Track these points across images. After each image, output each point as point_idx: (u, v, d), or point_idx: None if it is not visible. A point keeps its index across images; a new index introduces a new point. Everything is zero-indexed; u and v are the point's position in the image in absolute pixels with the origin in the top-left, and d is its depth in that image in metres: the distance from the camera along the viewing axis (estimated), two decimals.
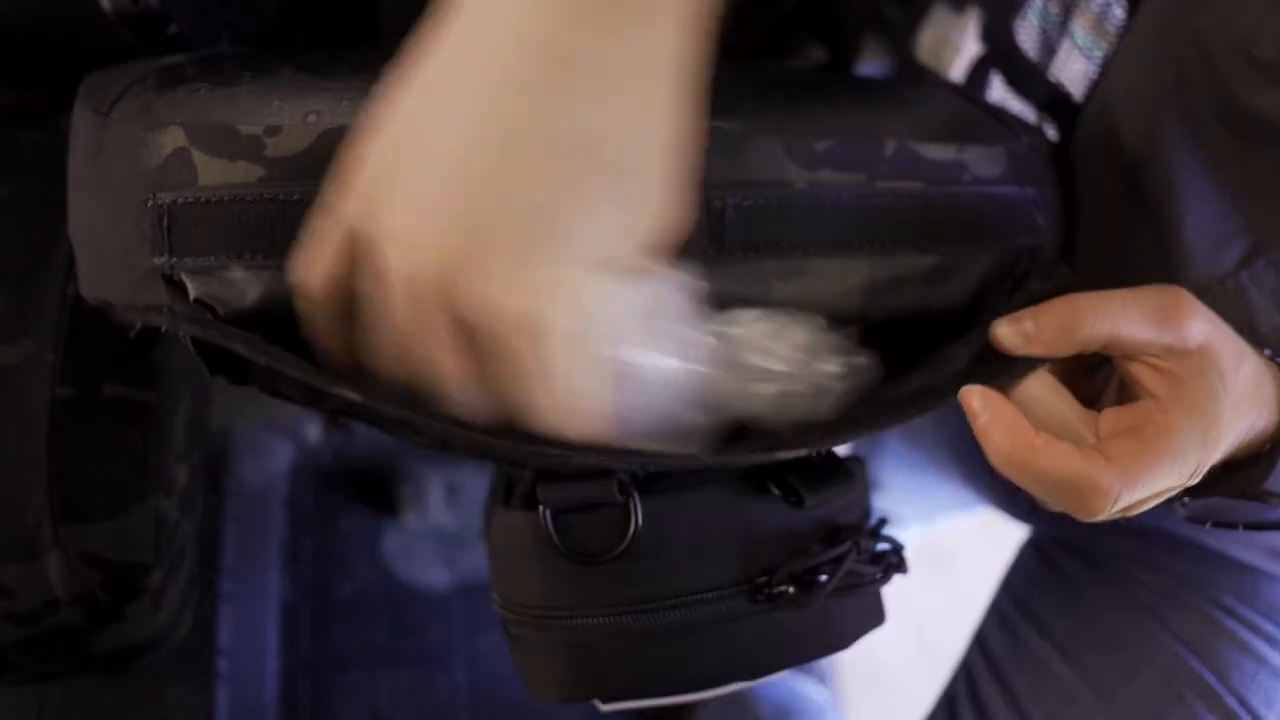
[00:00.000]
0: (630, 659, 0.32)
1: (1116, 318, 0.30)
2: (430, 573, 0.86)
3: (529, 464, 0.32)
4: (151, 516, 0.46)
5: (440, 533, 0.87)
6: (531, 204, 0.24)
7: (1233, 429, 0.30)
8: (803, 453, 0.32)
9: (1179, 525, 0.46)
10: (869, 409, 0.33)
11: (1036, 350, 0.31)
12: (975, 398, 0.30)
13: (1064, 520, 0.53)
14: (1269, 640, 0.44)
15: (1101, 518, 0.29)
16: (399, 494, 0.86)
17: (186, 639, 0.54)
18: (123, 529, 0.45)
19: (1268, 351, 0.33)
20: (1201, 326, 0.30)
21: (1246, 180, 0.35)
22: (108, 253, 0.30)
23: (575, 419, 0.27)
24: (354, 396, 0.27)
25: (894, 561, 0.36)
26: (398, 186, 0.24)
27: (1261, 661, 0.44)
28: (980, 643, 0.54)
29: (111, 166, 0.30)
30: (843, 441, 0.32)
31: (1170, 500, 0.33)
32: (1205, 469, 0.30)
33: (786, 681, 0.84)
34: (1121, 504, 0.29)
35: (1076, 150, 0.40)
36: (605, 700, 0.34)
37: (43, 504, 0.42)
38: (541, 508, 0.31)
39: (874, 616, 0.36)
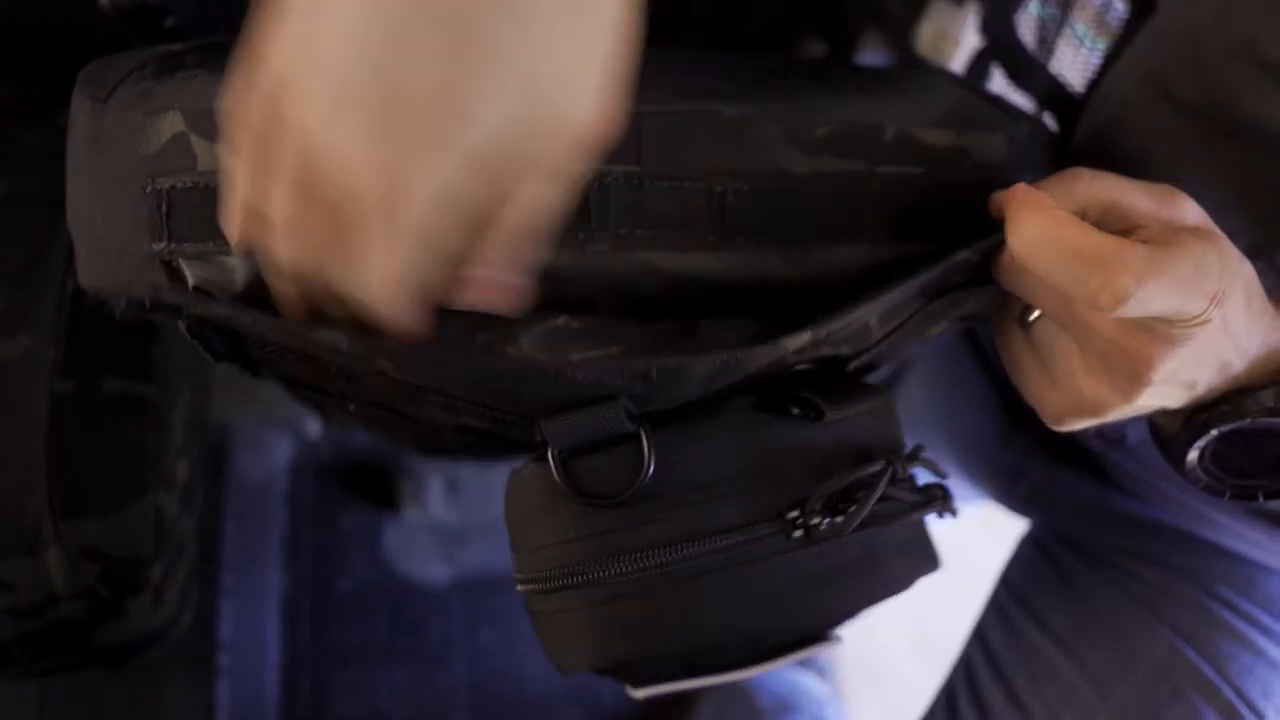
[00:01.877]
0: (661, 609, 0.30)
1: (1114, 182, 0.30)
2: (430, 568, 0.86)
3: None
4: (151, 511, 0.46)
5: (440, 528, 0.87)
6: (427, 82, 0.21)
7: (1243, 303, 0.29)
8: (806, 337, 0.29)
9: (1175, 517, 0.46)
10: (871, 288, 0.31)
11: (1047, 194, 0.30)
12: (1006, 196, 0.30)
13: (1059, 513, 0.53)
14: (1266, 632, 0.44)
15: (1128, 306, 0.27)
16: (399, 489, 0.86)
17: (187, 634, 0.54)
18: (122, 524, 0.45)
19: None
20: (1197, 210, 0.30)
21: (1245, 182, 0.35)
22: (106, 240, 0.30)
23: (387, 309, 0.25)
24: (341, 341, 0.26)
25: (939, 494, 0.33)
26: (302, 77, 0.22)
27: (1259, 653, 0.44)
28: (979, 636, 0.54)
29: (110, 153, 0.30)
30: (845, 316, 0.30)
31: (1188, 436, 0.32)
32: (1229, 309, 0.28)
33: (786, 674, 0.84)
34: (1146, 294, 0.27)
35: (1077, 142, 0.40)
36: (639, 681, 0.32)
37: (43, 499, 0.42)
38: (550, 450, 0.30)
39: (925, 558, 0.33)
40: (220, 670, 0.73)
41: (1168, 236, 0.28)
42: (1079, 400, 0.32)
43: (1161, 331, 0.29)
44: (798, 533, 0.30)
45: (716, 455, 0.31)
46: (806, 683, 0.84)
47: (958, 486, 0.62)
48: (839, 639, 0.34)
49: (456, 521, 0.88)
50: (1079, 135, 0.40)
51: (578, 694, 0.85)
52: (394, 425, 0.39)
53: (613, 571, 0.30)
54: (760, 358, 0.29)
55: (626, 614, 0.30)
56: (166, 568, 0.48)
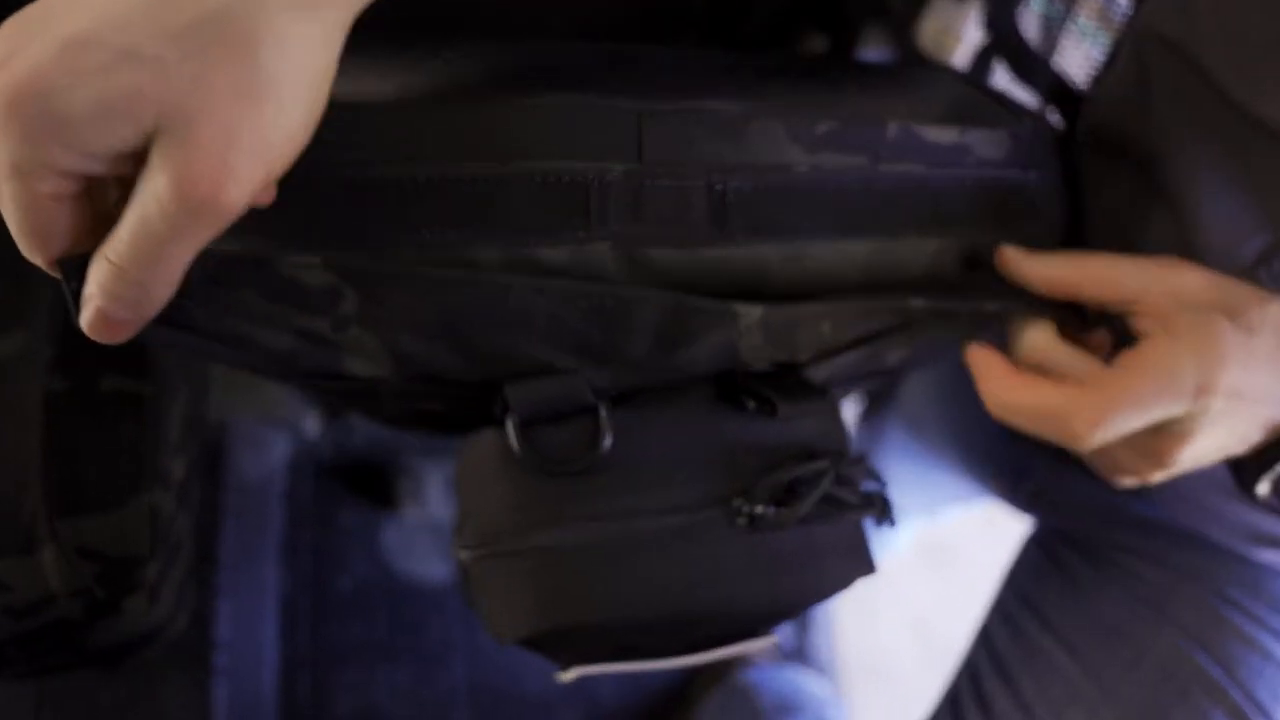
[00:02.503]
0: (601, 579, 0.31)
1: (1113, 260, 0.33)
2: (429, 567, 0.86)
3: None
4: (147, 510, 0.46)
5: (439, 527, 0.87)
6: None
7: (1261, 362, 0.30)
8: (758, 314, 0.31)
9: (1185, 516, 0.46)
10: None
11: (1034, 268, 0.33)
12: (972, 352, 0.34)
13: (1064, 513, 0.53)
14: (1275, 634, 0.44)
15: (1093, 443, 0.30)
16: (398, 488, 0.86)
17: (184, 633, 0.54)
18: (118, 522, 0.45)
19: None
20: (1198, 275, 0.32)
21: (1261, 178, 0.34)
22: None
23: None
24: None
25: (879, 502, 0.35)
26: None
27: (1267, 656, 0.44)
28: (984, 638, 0.54)
29: None
30: (799, 307, 0.32)
31: (1257, 469, 0.33)
32: (1235, 382, 0.30)
33: (788, 674, 0.84)
34: (1111, 427, 0.30)
35: (1085, 137, 0.40)
36: (570, 659, 0.33)
37: (38, 497, 0.42)
38: (509, 416, 0.31)
39: (861, 561, 0.35)
40: (217, 670, 0.73)
41: (1134, 357, 0.30)
42: (1136, 476, 0.35)
43: (1166, 431, 0.31)
44: (741, 520, 0.31)
45: (670, 438, 0.32)
46: (809, 682, 0.84)
47: (962, 484, 0.62)
48: (771, 636, 0.35)
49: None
50: (1082, 131, 0.40)
51: (576, 693, 0.85)
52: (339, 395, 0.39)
53: (557, 540, 0.30)
54: (712, 320, 0.31)
55: (567, 583, 0.31)
56: (163, 567, 0.48)
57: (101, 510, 0.44)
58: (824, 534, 0.33)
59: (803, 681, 0.84)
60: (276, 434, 0.84)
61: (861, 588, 0.35)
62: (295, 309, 0.28)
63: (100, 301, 0.24)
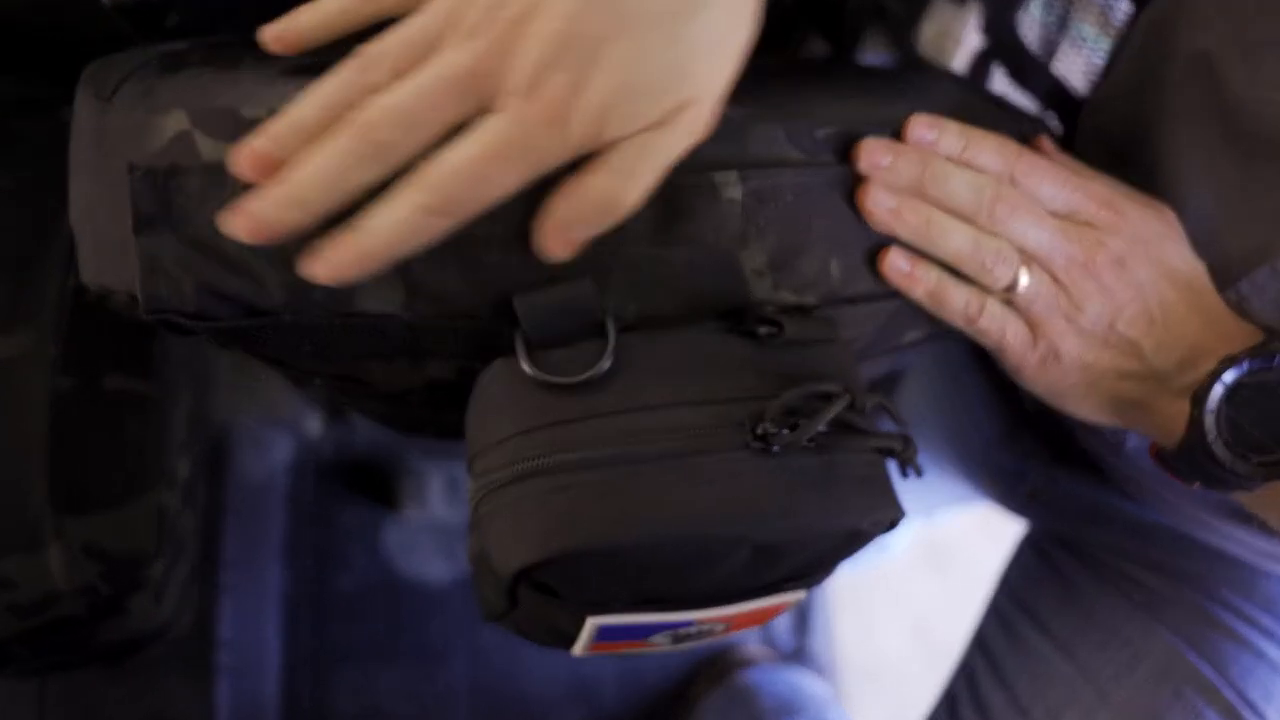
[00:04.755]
0: (611, 495, 0.30)
1: None
2: (430, 567, 0.86)
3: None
4: (152, 508, 0.47)
5: (440, 527, 0.88)
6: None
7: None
8: (733, 176, 0.32)
9: (1174, 522, 0.46)
10: None
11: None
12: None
13: (1059, 516, 0.53)
14: (1266, 634, 0.44)
15: None
16: (399, 488, 0.86)
17: (187, 632, 0.54)
18: (124, 520, 0.45)
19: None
20: None
21: (1247, 186, 0.34)
22: (109, 238, 0.31)
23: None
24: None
25: (900, 440, 0.33)
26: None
27: (1259, 655, 0.44)
28: (980, 640, 0.54)
29: (113, 151, 0.30)
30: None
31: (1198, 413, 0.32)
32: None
33: (787, 676, 0.84)
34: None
35: (1080, 143, 0.40)
36: (590, 600, 0.32)
37: (43, 495, 0.42)
38: (517, 336, 0.31)
39: (886, 500, 0.33)
40: (220, 668, 0.73)
41: None
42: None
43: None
44: (754, 440, 0.31)
45: (680, 360, 0.32)
46: (808, 684, 0.84)
47: (958, 488, 0.62)
48: (800, 593, 0.34)
49: (457, 520, 0.88)
50: (1081, 135, 0.40)
51: (578, 693, 0.85)
52: (360, 396, 0.39)
53: (566, 459, 0.30)
54: (697, 197, 0.31)
55: (576, 502, 0.30)
56: (168, 565, 0.49)
57: (107, 509, 0.44)
58: (842, 461, 0.32)
59: (802, 683, 0.84)
60: (279, 434, 0.84)
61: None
62: None
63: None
